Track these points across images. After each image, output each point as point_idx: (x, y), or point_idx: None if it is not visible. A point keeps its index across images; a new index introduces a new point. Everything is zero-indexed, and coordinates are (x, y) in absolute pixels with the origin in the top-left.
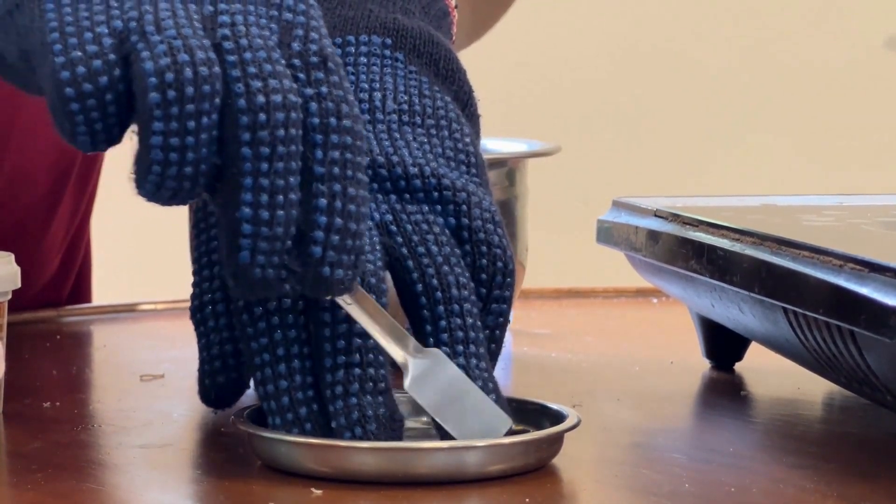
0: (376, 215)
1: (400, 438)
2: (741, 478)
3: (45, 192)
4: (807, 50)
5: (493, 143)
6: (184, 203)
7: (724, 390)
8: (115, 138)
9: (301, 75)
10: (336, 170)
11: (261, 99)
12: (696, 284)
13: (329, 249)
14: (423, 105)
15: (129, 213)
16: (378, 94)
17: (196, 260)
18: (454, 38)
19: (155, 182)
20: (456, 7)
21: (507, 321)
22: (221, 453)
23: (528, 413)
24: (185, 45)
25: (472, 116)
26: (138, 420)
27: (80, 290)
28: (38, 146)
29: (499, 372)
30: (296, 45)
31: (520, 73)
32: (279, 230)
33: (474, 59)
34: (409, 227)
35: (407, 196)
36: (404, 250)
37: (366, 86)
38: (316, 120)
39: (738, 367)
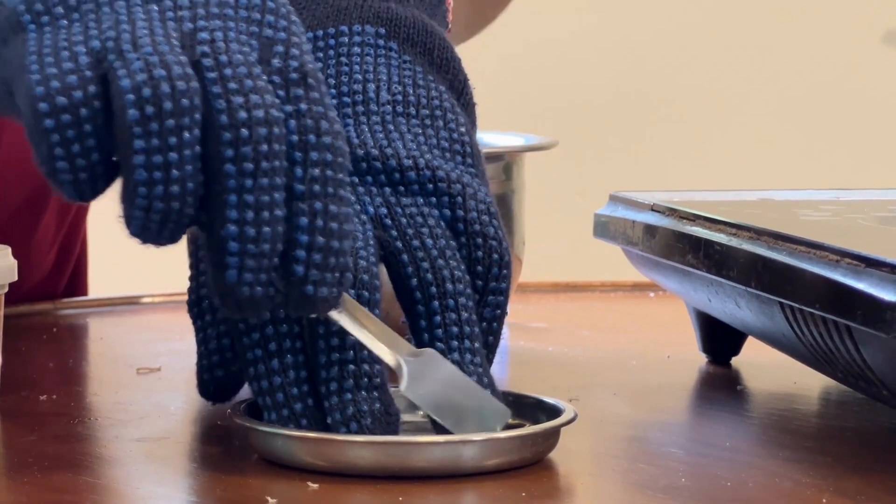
0: (370, 209)
1: (396, 433)
2: (737, 472)
3: (36, 186)
4: (804, 44)
5: (491, 137)
6: (175, 237)
7: (721, 385)
8: (96, 166)
9: (281, 92)
10: (316, 188)
11: (243, 115)
12: (693, 279)
13: (312, 268)
14: (418, 95)
15: None
16: (372, 86)
17: (192, 254)
18: (450, 26)
19: (143, 207)
20: None
21: (504, 313)
22: (218, 446)
23: (524, 407)
24: (162, 62)
25: (468, 106)
26: (135, 413)
27: (76, 283)
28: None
29: (495, 366)
30: (276, 62)
31: (517, 66)
32: (266, 247)
33: (472, 53)
34: (403, 220)
35: (401, 189)
36: (399, 244)
37: (359, 77)
38: (295, 137)
39: (734, 361)
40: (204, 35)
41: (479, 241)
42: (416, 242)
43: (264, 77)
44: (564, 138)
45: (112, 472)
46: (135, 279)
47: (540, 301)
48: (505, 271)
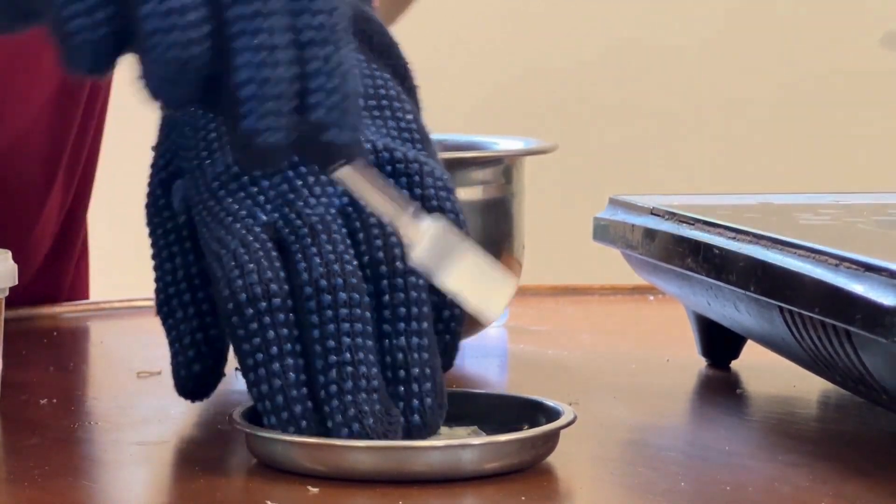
0: (335, 200)
1: (397, 434)
2: (737, 476)
3: (33, 184)
4: (804, 47)
5: (491, 141)
6: (191, 97)
7: (720, 388)
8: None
9: None
10: (325, 33)
11: None
12: (693, 282)
13: (330, 111)
14: (365, 86)
15: (126, 209)
16: None
17: (156, 255)
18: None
19: (161, 59)
20: None
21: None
22: (218, 451)
23: (523, 410)
24: None
25: (411, 90)
26: (135, 417)
27: (77, 286)
28: (28, 139)
29: (495, 369)
30: None
31: (517, 71)
32: (280, 88)
33: (472, 55)
34: (354, 215)
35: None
36: (357, 223)
37: None
38: None
39: (734, 365)
40: None
41: (439, 215)
42: (372, 220)
43: None
44: (564, 142)
45: (112, 476)
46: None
47: (539, 304)
48: None
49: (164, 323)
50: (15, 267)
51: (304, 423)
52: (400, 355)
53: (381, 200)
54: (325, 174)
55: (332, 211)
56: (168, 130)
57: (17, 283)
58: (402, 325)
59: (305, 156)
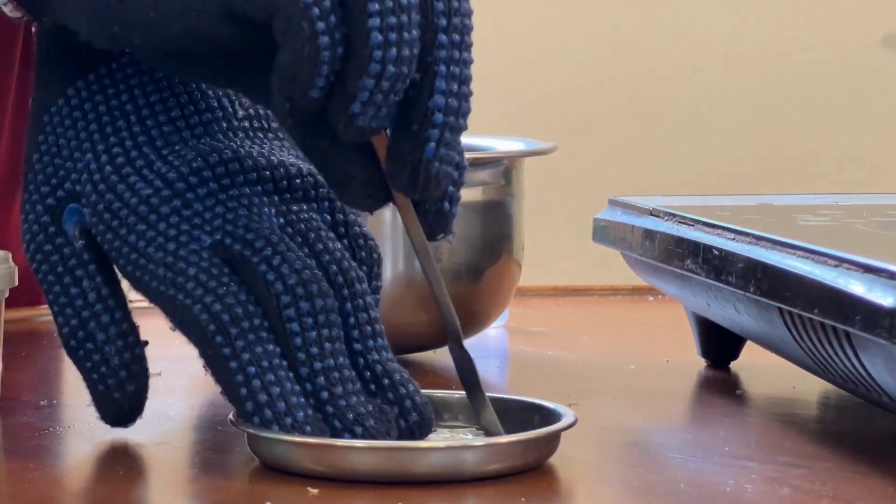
0: (274, 218)
1: (396, 431)
2: (736, 477)
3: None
4: (804, 48)
5: (490, 142)
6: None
7: (720, 389)
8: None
9: None
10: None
11: None
12: (692, 283)
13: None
14: (266, 111)
15: None
16: (226, 101)
17: (55, 284)
18: None
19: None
20: None
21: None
22: (218, 452)
23: (524, 412)
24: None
25: None
26: None
27: None
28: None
29: (495, 370)
30: None
31: (517, 72)
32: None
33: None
34: (301, 226)
35: (287, 196)
36: (305, 249)
37: (211, 93)
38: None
39: (733, 365)
40: None
41: (361, 241)
42: (319, 246)
43: None
44: (564, 143)
45: (112, 476)
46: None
47: (539, 305)
48: (378, 270)
49: (78, 351)
50: (15, 268)
51: (307, 427)
52: (379, 367)
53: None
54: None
55: (276, 229)
56: (41, 156)
57: (16, 283)
58: (370, 343)
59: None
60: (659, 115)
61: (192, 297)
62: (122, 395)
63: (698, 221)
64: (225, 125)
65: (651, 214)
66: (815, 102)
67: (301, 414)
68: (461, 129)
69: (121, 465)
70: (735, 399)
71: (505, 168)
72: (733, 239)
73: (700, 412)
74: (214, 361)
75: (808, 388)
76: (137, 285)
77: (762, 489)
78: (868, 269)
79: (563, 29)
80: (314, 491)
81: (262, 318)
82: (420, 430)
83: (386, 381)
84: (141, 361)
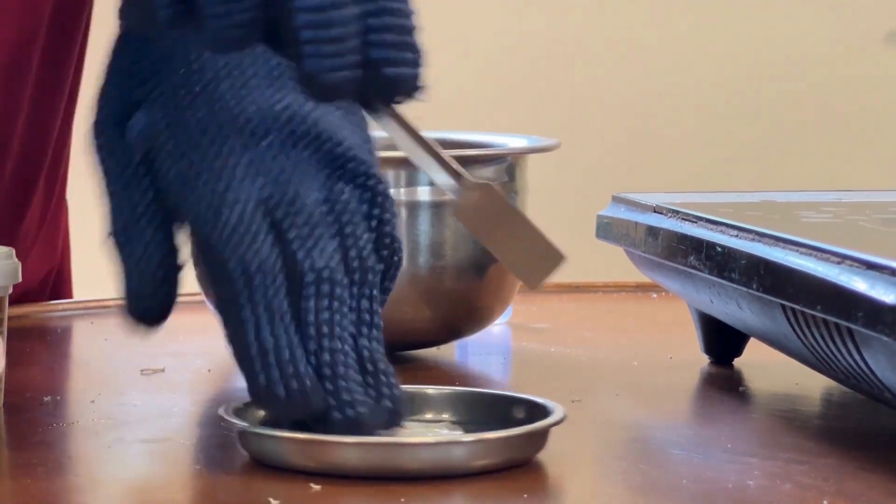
0: (317, 193)
1: (396, 422)
2: (739, 473)
3: (20, 176)
4: (806, 45)
5: (494, 139)
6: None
7: (723, 386)
8: None
9: None
10: None
11: None
12: (695, 280)
13: (389, 49)
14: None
15: None
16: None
17: (109, 182)
18: None
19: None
20: None
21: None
22: (221, 448)
23: (513, 407)
24: None
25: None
26: (138, 414)
27: (59, 289)
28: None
29: (498, 366)
30: None
31: (521, 69)
32: (341, 30)
33: (476, 55)
34: (340, 207)
35: (339, 173)
36: (335, 227)
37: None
38: None
39: (736, 362)
40: None
41: (388, 241)
42: (348, 230)
43: None
44: (567, 140)
45: (115, 472)
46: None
47: (542, 302)
48: (395, 272)
49: (122, 239)
50: (18, 264)
51: (308, 383)
52: (366, 353)
53: (423, 153)
54: (381, 113)
55: (319, 206)
56: (123, 59)
57: (20, 280)
58: (365, 330)
59: (368, 90)
60: (662, 112)
61: (230, 234)
62: (154, 292)
63: (701, 218)
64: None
65: (654, 211)
66: (819, 99)
67: (303, 367)
68: (339, 39)
69: (124, 461)
70: (738, 395)
71: (508, 165)
72: (736, 236)
73: (703, 409)
74: (226, 308)
75: (811, 384)
76: (174, 214)
77: (764, 485)
78: (871, 266)
79: (566, 26)
80: (316, 487)
81: (284, 280)
82: (392, 418)
83: (370, 366)
84: (176, 273)
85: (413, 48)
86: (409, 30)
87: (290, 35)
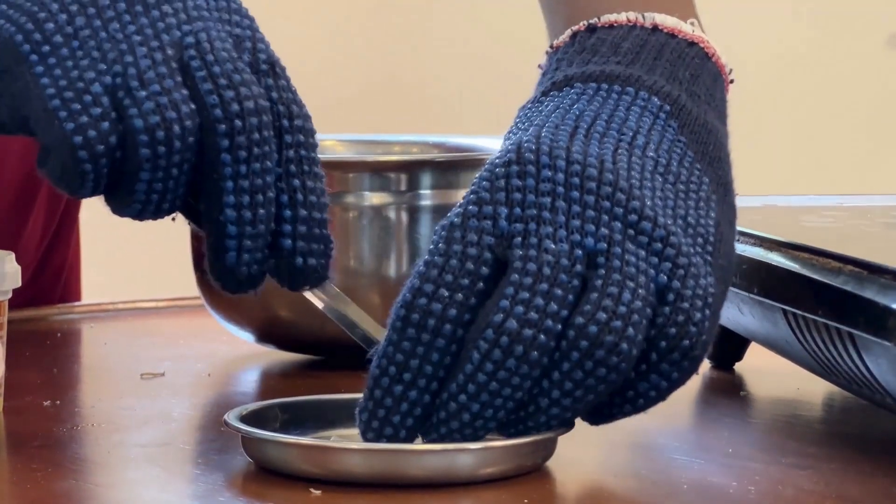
0: (589, 240)
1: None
2: (740, 478)
3: (24, 185)
4: (808, 48)
5: (491, 143)
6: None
7: (724, 390)
8: (104, 178)
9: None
10: (293, 167)
11: (235, 107)
12: None
13: (299, 240)
14: (680, 171)
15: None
16: (641, 139)
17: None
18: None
19: (134, 214)
20: (731, 81)
21: (655, 398)
22: (221, 452)
23: None
24: (171, 102)
25: (729, 206)
26: (138, 418)
27: (69, 289)
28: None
29: None
30: (246, 56)
31: (517, 72)
32: (261, 227)
33: (482, 55)
34: (616, 263)
35: (630, 233)
36: (599, 282)
37: (632, 125)
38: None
39: (737, 367)
40: (189, 39)
41: (681, 318)
42: (613, 290)
43: (248, 70)
44: None
45: (115, 477)
46: (136, 283)
47: None
48: (686, 363)
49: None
50: (18, 269)
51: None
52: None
53: (349, 320)
54: (295, 291)
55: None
56: None
57: (20, 284)
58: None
59: (278, 277)
60: None
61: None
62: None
63: None
64: (625, 147)
65: None
66: (821, 103)
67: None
68: (260, 234)
69: (124, 465)
70: (739, 400)
71: None
72: (738, 240)
73: (704, 413)
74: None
75: (813, 389)
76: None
77: (766, 490)
78: (872, 271)
79: None
80: (316, 492)
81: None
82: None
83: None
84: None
85: (321, 239)
86: (317, 221)
87: (212, 228)
